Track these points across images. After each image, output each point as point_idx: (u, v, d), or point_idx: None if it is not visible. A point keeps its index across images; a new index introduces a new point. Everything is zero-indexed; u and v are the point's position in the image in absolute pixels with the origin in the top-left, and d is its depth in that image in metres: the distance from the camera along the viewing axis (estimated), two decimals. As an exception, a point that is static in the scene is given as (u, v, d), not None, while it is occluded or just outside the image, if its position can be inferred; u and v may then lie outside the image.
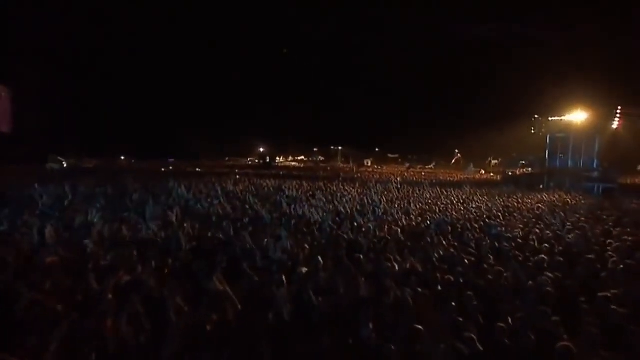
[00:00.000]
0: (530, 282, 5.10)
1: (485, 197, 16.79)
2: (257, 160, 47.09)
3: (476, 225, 9.45)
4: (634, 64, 28.20)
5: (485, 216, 11.18)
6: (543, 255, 6.38)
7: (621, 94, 26.81)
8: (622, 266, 5.54)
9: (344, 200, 13.23)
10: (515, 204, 14.27)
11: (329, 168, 43.76)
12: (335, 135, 61.15)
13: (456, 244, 7.38)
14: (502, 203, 14.36)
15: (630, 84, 26.04)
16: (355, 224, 9.05)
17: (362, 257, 5.91)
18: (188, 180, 17.56)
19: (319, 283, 4.60)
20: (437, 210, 11.96)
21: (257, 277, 4.58)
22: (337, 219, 9.78)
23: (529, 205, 14.32)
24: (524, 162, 43.15)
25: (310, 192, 15.30)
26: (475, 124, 49.29)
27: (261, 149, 59.01)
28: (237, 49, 57.75)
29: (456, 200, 15.04)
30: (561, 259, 6.21)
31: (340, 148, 57.98)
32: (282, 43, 58.98)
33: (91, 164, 37.58)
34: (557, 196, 18.26)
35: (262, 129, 57.60)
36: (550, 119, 29.65)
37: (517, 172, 37.57)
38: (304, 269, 5.20)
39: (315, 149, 72.82)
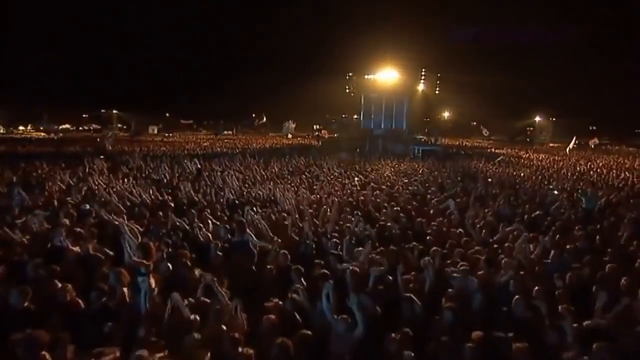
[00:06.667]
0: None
1: (336, 173, 11.81)
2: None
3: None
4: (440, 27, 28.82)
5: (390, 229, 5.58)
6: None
7: (425, 56, 26.89)
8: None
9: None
10: (388, 189, 9.42)
11: (98, 139, 30.88)
12: (111, 96, 46.04)
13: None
14: (375, 190, 9.17)
15: (434, 46, 26.22)
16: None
17: None
18: None
19: None
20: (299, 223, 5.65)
21: None
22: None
23: (398, 187, 9.89)
24: (319, 127, 42.83)
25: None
26: (278, 85, 45.71)
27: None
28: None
29: (304, 186, 9.15)
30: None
31: (115, 112, 41.91)
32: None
33: None
34: (404, 165, 15.22)
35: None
36: (365, 76, 27.42)
37: (326, 136, 36.11)
38: None
39: (85, 115, 55.44)
